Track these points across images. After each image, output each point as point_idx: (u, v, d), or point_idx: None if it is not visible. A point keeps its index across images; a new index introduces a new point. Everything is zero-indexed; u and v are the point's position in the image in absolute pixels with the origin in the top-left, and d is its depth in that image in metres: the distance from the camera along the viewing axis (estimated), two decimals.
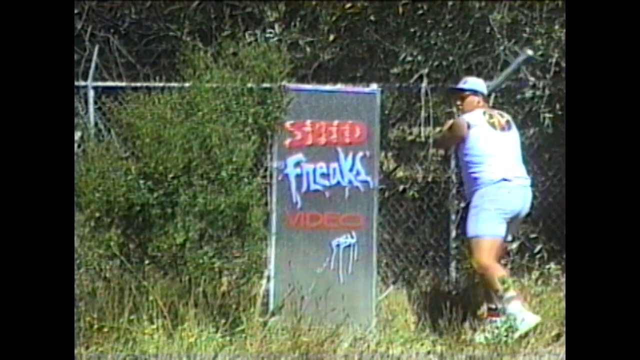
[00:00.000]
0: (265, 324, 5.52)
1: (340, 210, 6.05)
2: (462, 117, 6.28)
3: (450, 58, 7.39)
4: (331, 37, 7.57)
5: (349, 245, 6.02)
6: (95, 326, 5.34)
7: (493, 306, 5.91)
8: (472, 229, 6.04)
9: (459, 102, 6.37)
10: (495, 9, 7.28)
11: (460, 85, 6.43)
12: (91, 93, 7.33)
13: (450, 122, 6.49)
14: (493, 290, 5.87)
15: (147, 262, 5.57)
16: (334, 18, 7.53)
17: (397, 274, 7.49)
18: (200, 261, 5.48)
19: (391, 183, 7.65)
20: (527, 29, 7.30)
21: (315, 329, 5.48)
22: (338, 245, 6.01)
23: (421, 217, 7.60)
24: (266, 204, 5.88)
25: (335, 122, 6.08)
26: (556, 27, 7.18)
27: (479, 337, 5.72)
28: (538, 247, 7.26)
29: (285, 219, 5.98)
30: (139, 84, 6.68)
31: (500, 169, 6.06)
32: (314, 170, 6.02)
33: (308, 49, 7.53)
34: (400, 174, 7.84)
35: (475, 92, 6.32)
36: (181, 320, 5.36)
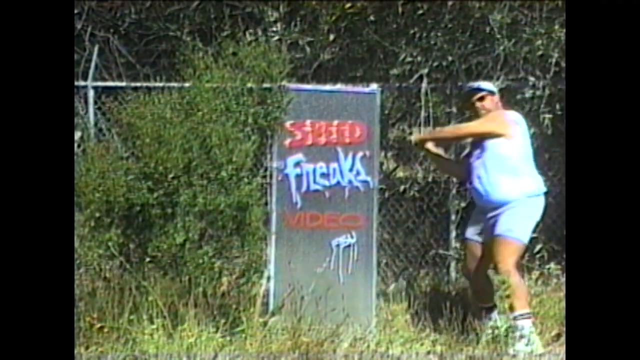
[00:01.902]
0: (265, 324, 5.52)
1: (340, 210, 6.05)
2: (503, 112, 6.06)
3: (450, 58, 7.40)
4: (331, 37, 7.57)
5: (349, 245, 6.01)
6: (95, 326, 5.34)
7: (490, 304, 5.91)
8: (518, 232, 5.85)
9: (478, 104, 6.05)
10: (495, 9, 7.28)
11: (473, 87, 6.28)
12: (91, 93, 7.33)
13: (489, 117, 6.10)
14: (516, 295, 5.71)
15: (147, 262, 5.57)
16: (334, 18, 7.54)
17: (397, 274, 7.50)
18: (200, 261, 5.48)
19: (391, 183, 7.65)
20: (527, 29, 7.30)
21: (315, 329, 5.48)
22: (338, 245, 6.01)
23: (421, 217, 7.61)
24: (266, 203, 5.88)
25: (335, 122, 6.07)
26: (556, 27, 7.18)
27: (485, 336, 5.70)
28: (538, 247, 7.26)
29: (285, 219, 5.98)
30: (139, 84, 6.69)
31: (539, 177, 6.05)
32: (314, 170, 6.02)
33: (308, 49, 7.53)
34: (400, 174, 7.84)
35: (492, 93, 6.14)
36: (181, 320, 5.36)
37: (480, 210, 6.06)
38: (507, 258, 5.80)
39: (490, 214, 5.94)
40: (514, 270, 5.78)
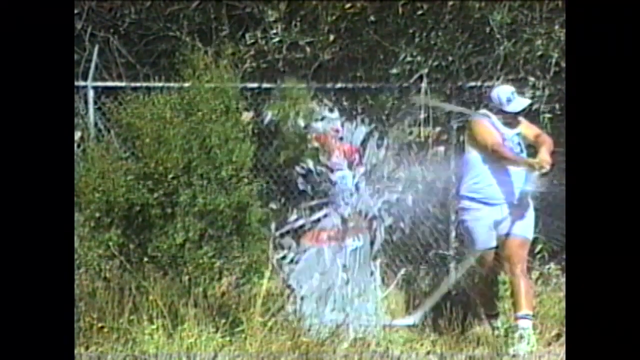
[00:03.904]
0: (265, 324, 5.52)
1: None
2: None
3: (450, 58, 7.39)
4: (331, 37, 7.57)
5: (356, 249, 6.01)
6: (95, 326, 5.34)
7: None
8: (532, 232, 6.02)
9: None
10: (495, 9, 7.27)
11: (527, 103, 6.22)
12: (91, 93, 7.32)
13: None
14: (527, 295, 5.82)
15: (147, 262, 5.57)
16: (334, 18, 7.53)
17: (397, 274, 7.48)
18: (200, 261, 5.48)
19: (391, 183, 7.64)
20: (527, 29, 7.30)
21: (315, 329, 5.48)
22: (345, 248, 6.01)
23: (421, 217, 7.60)
24: (267, 204, 5.89)
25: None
26: (556, 27, 7.18)
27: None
28: (538, 247, 7.25)
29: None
30: (138, 84, 6.69)
31: None
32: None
33: (308, 49, 7.53)
34: (400, 173, 7.82)
35: None
36: (181, 320, 5.36)
37: (491, 211, 6.00)
38: (525, 260, 5.94)
39: (506, 213, 5.94)
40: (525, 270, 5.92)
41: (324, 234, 6.03)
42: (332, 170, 6.10)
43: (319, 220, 6.08)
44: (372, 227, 6.13)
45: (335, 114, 6.50)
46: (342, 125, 6.34)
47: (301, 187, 6.15)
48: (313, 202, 6.09)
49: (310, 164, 6.13)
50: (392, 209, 7.26)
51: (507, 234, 5.91)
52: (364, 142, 6.27)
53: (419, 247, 7.58)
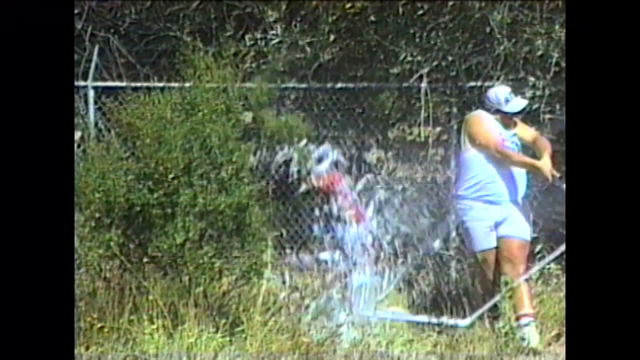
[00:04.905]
0: (265, 324, 5.52)
1: None
2: None
3: (450, 58, 7.40)
4: (331, 37, 7.58)
5: (362, 285, 6.11)
6: (95, 326, 5.34)
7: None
8: (530, 233, 6.05)
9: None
10: (495, 9, 7.28)
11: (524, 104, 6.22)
12: (91, 93, 7.34)
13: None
14: (529, 295, 5.90)
15: (147, 262, 5.57)
16: (334, 18, 7.54)
17: (397, 274, 7.49)
18: (200, 261, 5.47)
19: (391, 183, 7.65)
20: (527, 29, 7.30)
21: (315, 329, 5.49)
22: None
23: (421, 217, 7.60)
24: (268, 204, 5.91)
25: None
26: (556, 27, 7.18)
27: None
28: (538, 247, 7.25)
29: None
30: (139, 84, 6.70)
31: None
32: None
33: (308, 49, 7.53)
34: (400, 174, 7.84)
35: None
36: (181, 320, 5.36)
37: (492, 211, 6.00)
38: (525, 261, 5.99)
39: (506, 214, 5.97)
40: None
41: (330, 274, 6.14)
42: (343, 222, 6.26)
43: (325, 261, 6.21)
44: (378, 262, 6.22)
45: (334, 153, 6.58)
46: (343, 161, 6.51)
47: (315, 231, 6.34)
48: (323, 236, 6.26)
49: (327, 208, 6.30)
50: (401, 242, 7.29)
51: (506, 236, 5.92)
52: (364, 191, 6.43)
53: (419, 247, 7.59)
